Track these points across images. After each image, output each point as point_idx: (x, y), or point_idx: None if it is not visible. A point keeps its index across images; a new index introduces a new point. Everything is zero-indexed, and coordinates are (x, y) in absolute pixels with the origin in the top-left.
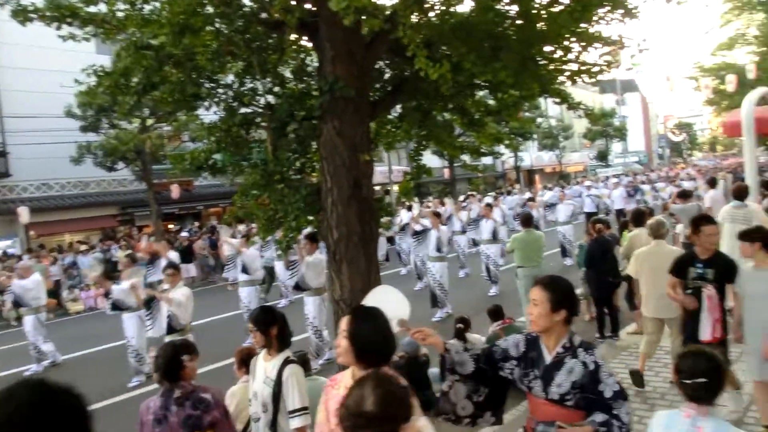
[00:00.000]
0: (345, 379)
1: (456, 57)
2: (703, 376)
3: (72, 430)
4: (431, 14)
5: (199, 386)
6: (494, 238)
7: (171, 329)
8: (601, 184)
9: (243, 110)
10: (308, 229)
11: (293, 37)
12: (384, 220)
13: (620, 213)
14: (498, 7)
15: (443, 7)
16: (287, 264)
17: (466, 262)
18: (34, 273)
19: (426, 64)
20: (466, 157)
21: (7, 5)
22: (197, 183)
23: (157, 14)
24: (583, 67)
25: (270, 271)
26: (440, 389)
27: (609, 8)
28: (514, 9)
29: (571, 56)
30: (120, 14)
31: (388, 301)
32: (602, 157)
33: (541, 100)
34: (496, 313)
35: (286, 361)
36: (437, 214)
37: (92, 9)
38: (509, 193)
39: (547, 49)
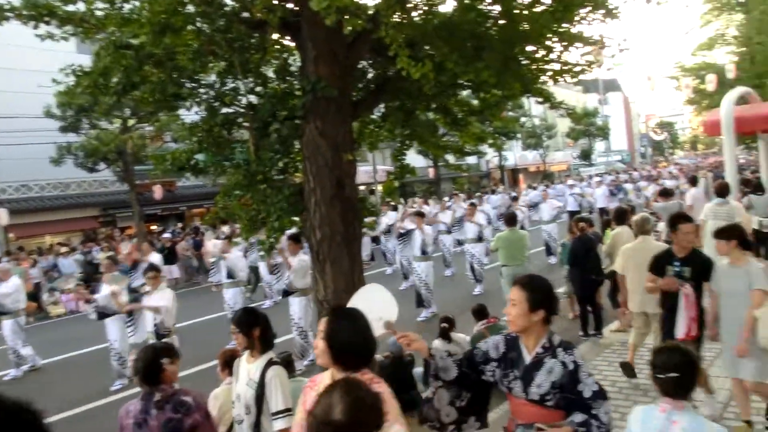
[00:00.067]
0: (324, 381)
1: (438, 57)
2: (675, 370)
3: None
4: (414, 14)
5: (179, 389)
6: (479, 238)
7: (159, 335)
8: (584, 182)
9: (225, 110)
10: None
11: (275, 36)
12: (368, 220)
13: (603, 211)
14: (480, 7)
15: (426, 7)
16: (271, 268)
17: (452, 261)
18: (13, 276)
19: (408, 64)
20: (450, 157)
21: None
22: (180, 184)
23: (137, 13)
24: (565, 67)
25: (255, 271)
26: (425, 396)
27: (590, 8)
28: (497, 9)
29: (553, 56)
30: (99, 13)
31: (376, 300)
32: (585, 156)
33: (525, 99)
34: (480, 313)
35: (270, 363)
36: (421, 214)
37: (70, 8)
38: (493, 192)
39: (530, 48)
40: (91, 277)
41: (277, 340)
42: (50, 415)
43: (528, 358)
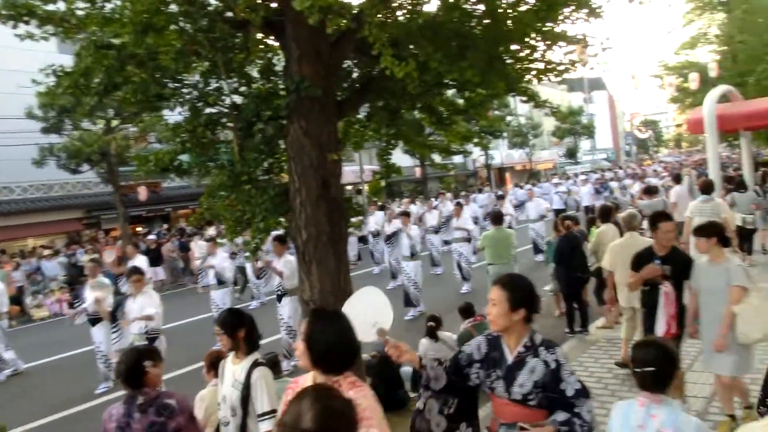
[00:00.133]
0: (306, 382)
1: (423, 56)
2: (652, 365)
3: None
4: (398, 13)
5: (163, 392)
6: (467, 239)
7: (149, 338)
8: (570, 181)
9: (209, 110)
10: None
11: (259, 36)
12: (354, 220)
13: (588, 209)
14: (465, 6)
15: (410, 7)
16: (257, 272)
17: (441, 260)
18: None
19: (392, 63)
20: (436, 156)
21: None
22: (165, 185)
23: (119, 13)
24: (549, 66)
25: (243, 272)
26: (416, 407)
27: (574, 8)
28: (481, 8)
29: (536, 55)
30: (80, 13)
31: (373, 304)
32: (571, 154)
33: (510, 98)
34: (467, 311)
35: (255, 364)
36: (406, 214)
37: (50, 7)
38: (480, 191)
39: (514, 47)
40: (75, 279)
41: (264, 341)
42: (34, 419)
43: (510, 357)
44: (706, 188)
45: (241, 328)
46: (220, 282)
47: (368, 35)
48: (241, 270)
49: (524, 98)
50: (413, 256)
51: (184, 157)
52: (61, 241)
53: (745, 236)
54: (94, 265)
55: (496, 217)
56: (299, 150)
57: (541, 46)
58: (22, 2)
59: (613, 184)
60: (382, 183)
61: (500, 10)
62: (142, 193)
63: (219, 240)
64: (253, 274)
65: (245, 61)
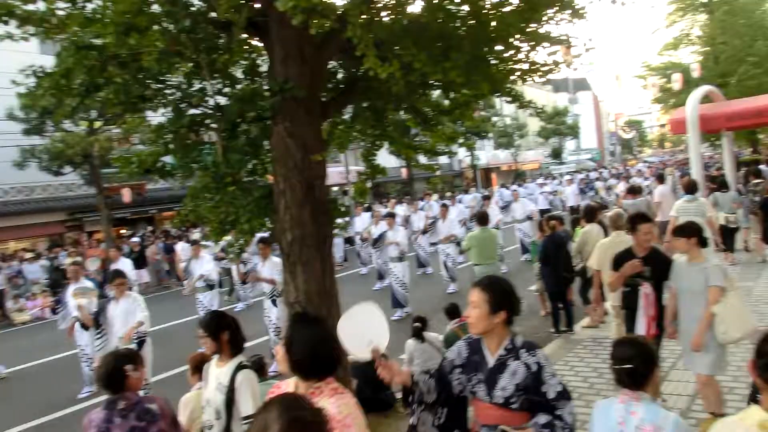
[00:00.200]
0: (288, 388)
1: (407, 57)
2: (630, 362)
3: None
4: (383, 14)
5: (144, 397)
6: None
7: (137, 342)
8: (556, 181)
9: (192, 111)
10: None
11: (244, 36)
12: (340, 221)
13: (573, 209)
14: (449, 7)
15: (394, 7)
16: (241, 277)
17: (429, 259)
18: None
19: (375, 64)
20: (421, 157)
21: None
22: (150, 186)
23: (101, 13)
24: (533, 67)
25: (230, 273)
26: (410, 423)
27: (557, 9)
28: (465, 9)
29: (521, 56)
30: (61, 13)
31: (370, 322)
32: (556, 154)
33: (496, 99)
34: (452, 312)
35: (239, 367)
36: (392, 215)
37: (30, 7)
38: (466, 191)
39: (498, 48)
40: (57, 283)
41: (250, 343)
42: (16, 424)
43: (491, 360)
44: (690, 188)
45: (224, 331)
46: (209, 285)
47: (352, 36)
48: (228, 272)
49: (509, 99)
50: (401, 258)
51: (168, 159)
52: (43, 244)
53: (728, 235)
54: (77, 268)
55: (482, 218)
56: (284, 151)
57: (524, 46)
58: (1, 2)
59: (598, 184)
60: (368, 184)
61: (484, 11)
62: (126, 195)
63: (204, 243)
64: (239, 280)
65: (229, 62)
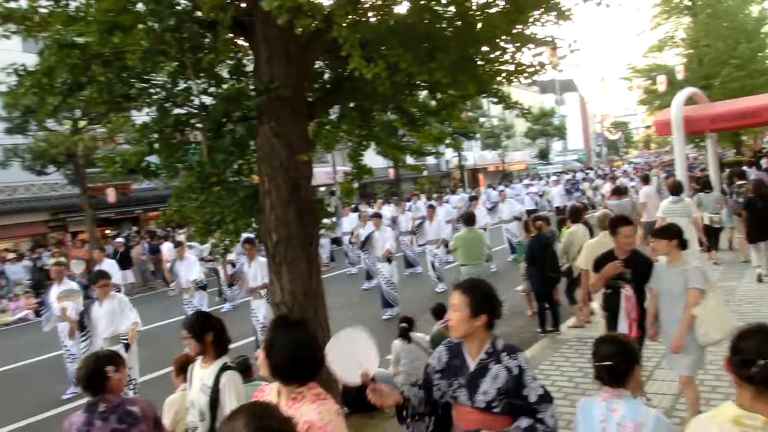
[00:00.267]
0: (271, 393)
1: (392, 57)
2: (610, 359)
3: None
4: (369, 14)
5: (126, 399)
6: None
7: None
8: (542, 181)
9: (177, 111)
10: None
11: (229, 36)
12: (327, 221)
13: (560, 210)
14: (436, 8)
15: (380, 8)
16: (229, 280)
17: (417, 259)
18: None
19: (360, 64)
20: (408, 158)
21: None
22: (135, 186)
23: (84, 11)
24: (519, 68)
25: (217, 273)
26: None
27: (543, 10)
28: (452, 10)
29: (506, 57)
30: (43, 11)
31: (357, 345)
32: (543, 155)
33: (484, 100)
34: (439, 312)
35: (224, 368)
36: (378, 216)
37: (12, 5)
38: (454, 192)
39: (484, 49)
40: (40, 284)
41: (237, 344)
42: (3, 425)
43: (472, 365)
44: (675, 189)
45: (208, 332)
46: (199, 285)
47: (338, 36)
48: (215, 272)
49: (495, 100)
50: (389, 258)
51: (153, 159)
52: (26, 245)
53: (712, 235)
54: (60, 269)
55: (468, 218)
56: (269, 151)
57: (510, 48)
58: None
59: (585, 185)
60: (354, 184)
61: (470, 12)
62: (111, 195)
63: (189, 244)
64: (227, 283)
65: (214, 61)
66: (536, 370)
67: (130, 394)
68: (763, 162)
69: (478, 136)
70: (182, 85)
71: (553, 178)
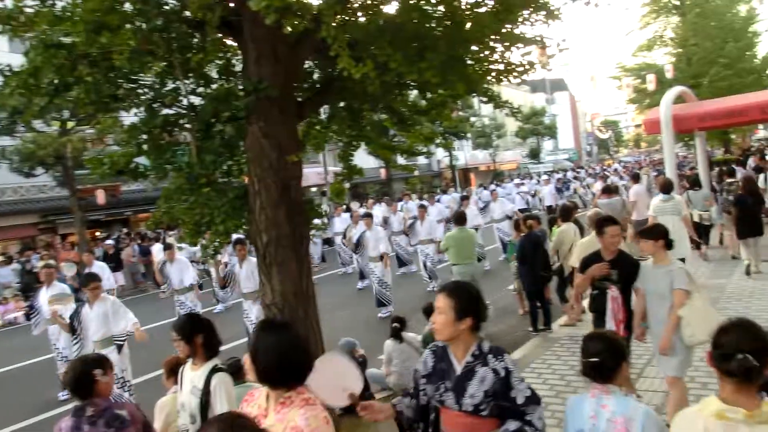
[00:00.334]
0: (260, 398)
1: (382, 57)
2: (597, 356)
3: None
4: (358, 14)
5: (114, 403)
6: (431, 240)
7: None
8: (533, 180)
9: (165, 111)
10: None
11: (217, 36)
12: (317, 221)
13: (550, 209)
14: (425, 7)
15: (369, 7)
16: (221, 282)
17: (410, 258)
18: None
19: (349, 64)
20: (399, 158)
21: None
22: (125, 188)
23: (70, 11)
24: (508, 67)
25: (209, 274)
26: None
27: (532, 10)
28: (441, 10)
29: (496, 56)
30: (29, 10)
31: (337, 369)
32: (534, 154)
33: (474, 99)
34: (430, 312)
35: (214, 370)
36: (369, 216)
37: None
38: (445, 192)
39: (473, 49)
40: (29, 287)
41: (229, 345)
42: None
43: (458, 368)
44: (666, 188)
45: (198, 334)
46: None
47: (326, 36)
48: (207, 273)
49: (485, 99)
50: (382, 258)
51: (142, 160)
52: (14, 247)
53: (702, 232)
54: (50, 271)
55: (459, 218)
56: (258, 151)
57: (500, 47)
58: None
59: (576, 184)
60: (345, 185)
61: (460, 12)
62: (100, 196)
63: (178, 246)
64: (219, 285)
65: (203, 61)
66: (528, 369)
67: (125, 395)
68: (751, 161)
69: (469, 135)
70: (171, 86)
71: (544, 177)
